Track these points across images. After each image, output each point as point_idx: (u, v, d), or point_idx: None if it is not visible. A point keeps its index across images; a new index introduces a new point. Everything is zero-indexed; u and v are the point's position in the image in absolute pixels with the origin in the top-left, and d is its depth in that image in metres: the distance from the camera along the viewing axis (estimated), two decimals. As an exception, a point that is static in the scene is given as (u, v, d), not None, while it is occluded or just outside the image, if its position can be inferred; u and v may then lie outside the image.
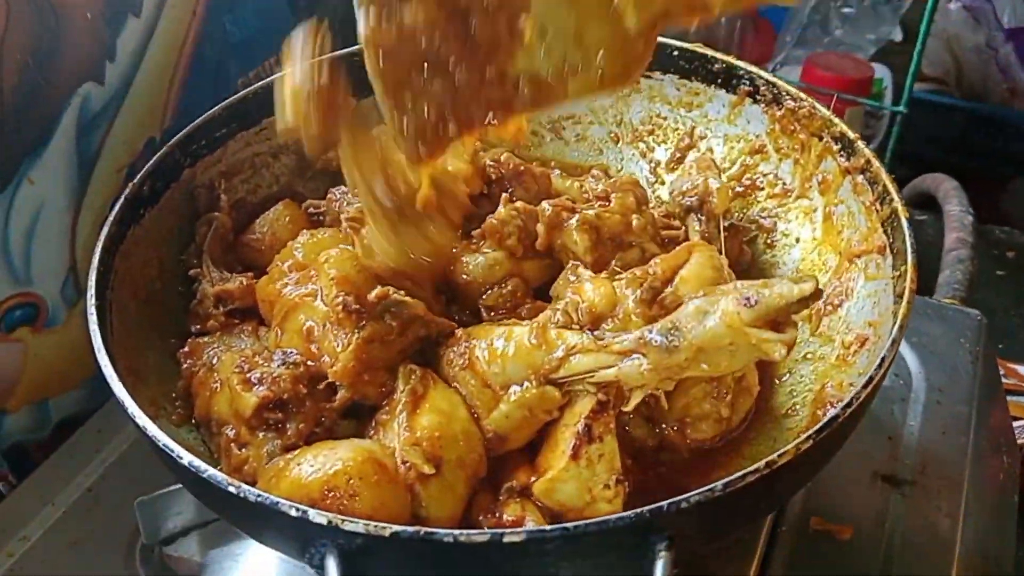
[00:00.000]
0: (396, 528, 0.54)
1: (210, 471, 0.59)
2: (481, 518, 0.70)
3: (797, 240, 0.92)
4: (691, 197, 0.91)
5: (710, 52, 0.98)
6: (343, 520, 0.55)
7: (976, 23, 2.51)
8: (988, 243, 1.83)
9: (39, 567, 0.85)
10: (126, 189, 0.83)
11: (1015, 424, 1.32)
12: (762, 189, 0.97)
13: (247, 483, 0.67)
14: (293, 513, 0.56)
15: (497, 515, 0.70)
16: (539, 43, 0.65)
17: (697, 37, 1.82)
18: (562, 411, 0.73)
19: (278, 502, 0.56)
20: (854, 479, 0.91)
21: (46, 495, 0.91)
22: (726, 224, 0.92)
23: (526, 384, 0.72)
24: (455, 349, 0.76)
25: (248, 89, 0.96)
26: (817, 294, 0.65)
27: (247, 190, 0.97)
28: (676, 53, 1.00)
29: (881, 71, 2.16)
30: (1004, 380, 1.42)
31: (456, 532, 0.54)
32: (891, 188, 0.79)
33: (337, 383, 0.72)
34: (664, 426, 0.78)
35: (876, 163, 0.82)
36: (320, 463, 0.66)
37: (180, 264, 0.89)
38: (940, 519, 0.88)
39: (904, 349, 1.03)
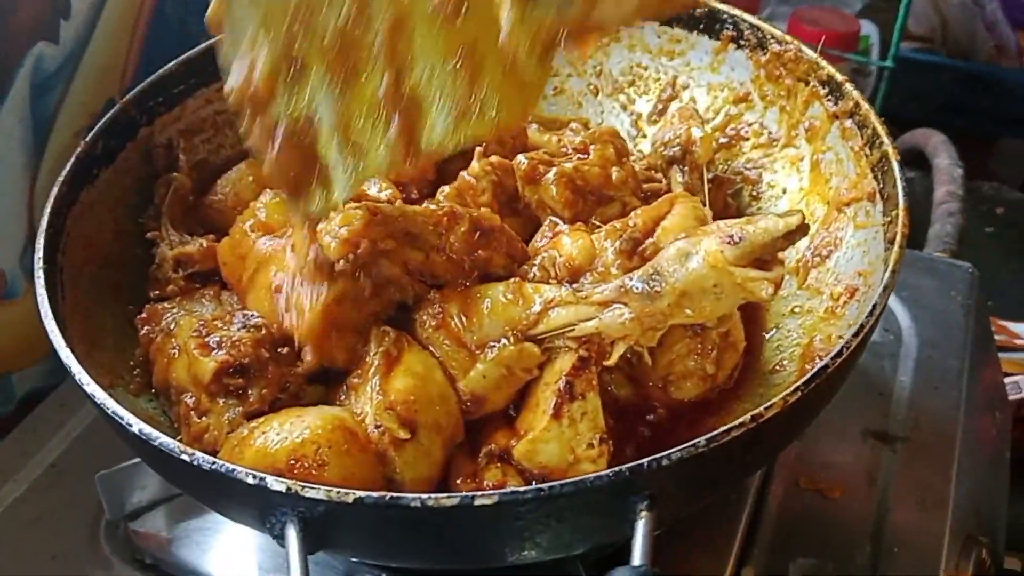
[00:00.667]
0: (360, 494, 0.51)
1: (161, 439, 0.56)
2: (460, 483, 0.67)
3: (784, 191, 0.89)
4: (673, 148, 0.88)
5: (691, -4, 0.94)
6: (303, 487, 0.52)
7: (962, -20, 2.47)
8: (977, 199, 1.80)
9: (1, 544, 0.81)
10: (78, 148, 0.79)
11: (1006, 380, 1.30)
12: (747, 139, 0.93)
13: (208, 452, 0.64)
14: (250, 481, 0.52)
15: (477, 480, 0.67)
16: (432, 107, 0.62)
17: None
18: (542, 369, 0.70)
19: (234, 469, 0.53)
20: (844, 437, 0.88)
21: (7, 471, 0.87)
22: (710, 176, 0.88)
23: (503, 341, 0.69)
24: (428, 311, 0.72)
25: (208, 43, 0.91)
26: (803, 227, 0.62)
27: (209, 150, 0.93)
28: (656, -1, 0.96)
29: (868, 27, 2.12)
30: (995, 337, 1.40)
31: (424, 496, 0.51)
32: (881, 131, 0.76)
33: (302, 345, 0.69)
34: (649, 384, 0.75)
35: (865, 105, 0.79)
36: (286, 431, 0.63)
37: (138, 227, 0.84)
38: (932, 476, 0.85)
39: (895, 303, 1.00)
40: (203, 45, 0.91)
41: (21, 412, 0.96)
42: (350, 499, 0.51)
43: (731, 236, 0.65)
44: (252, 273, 0.74)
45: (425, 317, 0.72)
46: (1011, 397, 1.28)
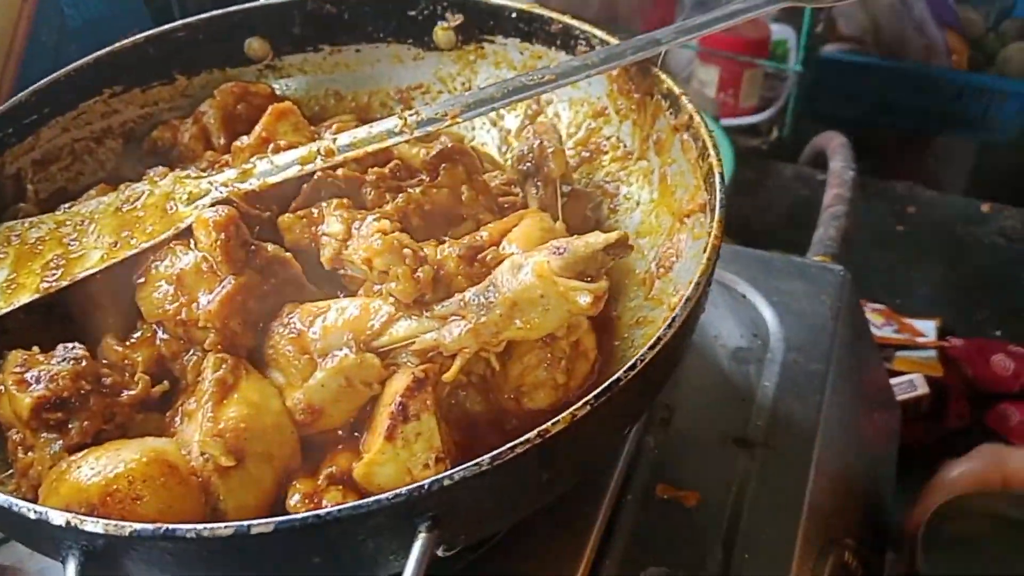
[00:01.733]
0: (137, 526, 0.51)
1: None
2: (298, 504, 0.67)
3: (637, 203, 0.90)
4: (527, 163, 0.88)
5: (547, 13, 0.95)
6: (82, 520, 0.52)
7: (890, -20, 2.50)
8: (890, 199, 1.83)
9: None
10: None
11: (902, 379, 1.32)
12: (606, 153, 0.94)
13: (34, 487, 0.64)
14: (32, 516, 0.52)
15: (315, 501, 0.68)
16: None
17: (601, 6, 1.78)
18: (383, 386, 0.70)
19: (15, 503, 0.53)
20: (704, 443, 0.89)
21: None
22: (567, 190, 0.89)
23: (344, 351, 0.69)
24: (281, 320, 0.73)
25: (60, 72, 0.91)
26: (623, 240, 0.64)
27: (67, 178, 0.92)
28: (515, 15, 0.97)
29: (785, 32, 2.14)
30: (896, 336, 1.42)
31: (199, 527, 0.51)
32: (708, 143, 0.77)
33: (208, 326, 0.70)
34: (503, 397, 0.75)
35: (697, 118, 0.80)
36: (101, 465, 0.62)
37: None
38: (788, 480, 0.86)
39: (765, 309, 1.01)
40: (55, 75, 0.91)
41: None
42: (126, 532, 0.51)
43: (557, 248, 0.68)
44: (144, 268, 0.75)
45: (277, 326, 0.72)
46: (904, 395, 1.30)
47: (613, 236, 0.64)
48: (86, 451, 0.65)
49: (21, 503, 0.53)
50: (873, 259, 1.65)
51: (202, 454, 0.65)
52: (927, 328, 1.49)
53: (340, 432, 0.72)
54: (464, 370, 0.71)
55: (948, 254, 1.70)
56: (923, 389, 1.30)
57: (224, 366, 0.69)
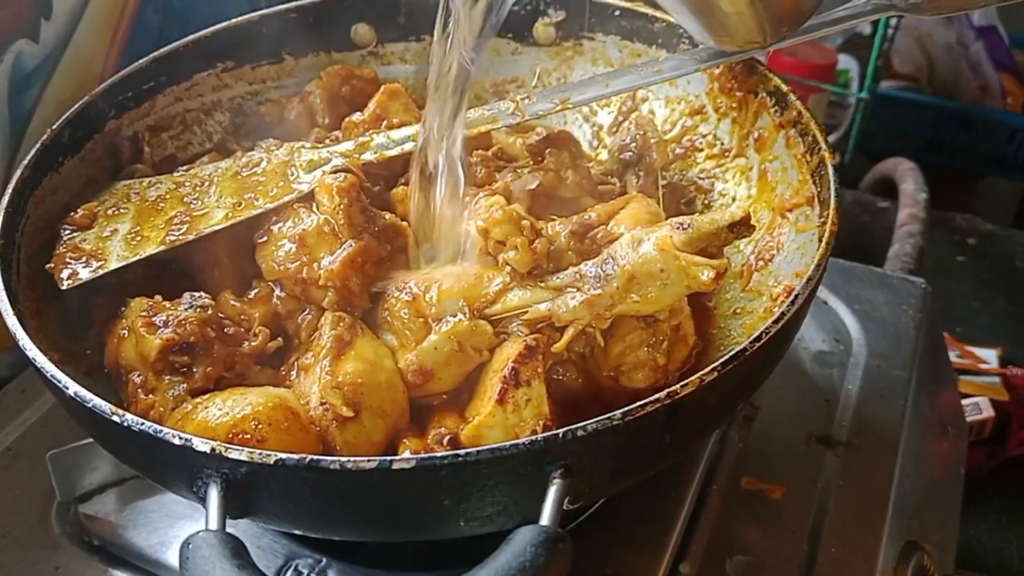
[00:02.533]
0: (281, 455, 0.53)
1: (95, 401, 0.57)
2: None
3: (734, 199, 0.91)
4: (629, 152, 0.90)
5: (651, 11, 0.97)
6: (227, 447, 0.53)
7: (948, 21, 2.52)
8: (950, 230, 1.83)
9: (-50, 524, 0.82)
10: (44, 135, 0.82)
11: (967, 401, 1.32)
12: (701, 150, 0.96)
13: (153, 428, 0.65)
14: (176, 442, 0.54)
15: (424, 461, 0.69)
16: None
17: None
18: (492, 354, 0.72)
19: (161, 430, 0.54)
20: (788, 440, 0.89)
21: (-38, 453, 0.88)
22: (663, 183, 0.91)
23: (459, 316, 0.71)
24: (396, 284, 0.75)
25: (178, 43, 0.94)
26: (747, 220, 0.65)
27: (177, 147, 0.96)
28: (618, 13, 0.99)
29: (848, 62, 2.17)
30: (959, 360, 1.42)
31: (343, 459, 0.52)
32: (819, 137, 0.79)
33: (328, 285, 0.72)
34: (601, 375, 0.76)
35: (807, 114, 0.81)
36: (229, 407, 0.64)
37: (102, 216, 0.86)
38: (874, 480, 0.86)
39: (846, 316, 1.02)
40: (174, 44, 0.94)
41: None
42: (271, 460, 0.52)
43: (681, 224, 0.69)
44: (267, 227, 0.76)
45: (389, 293, 0.74)
46: (970, 418, 1.29)
47: (739, 213, 0.66)
48: (210, 394, 0.67)
49: (165, 429, 0.55)
50: (934, 287, 1.65)
51: (322, 403, 0.67)
52: (989, 356, 1.49)
53: (445, 397, 0.73)
54: (567, 346, 0.72)
55: (1008, 286, 1.69)
56: (988, 412, 1.30)
57: (342, 324, 0.71)
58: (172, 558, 0.78)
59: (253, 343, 0.71)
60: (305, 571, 0.74)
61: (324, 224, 0.74)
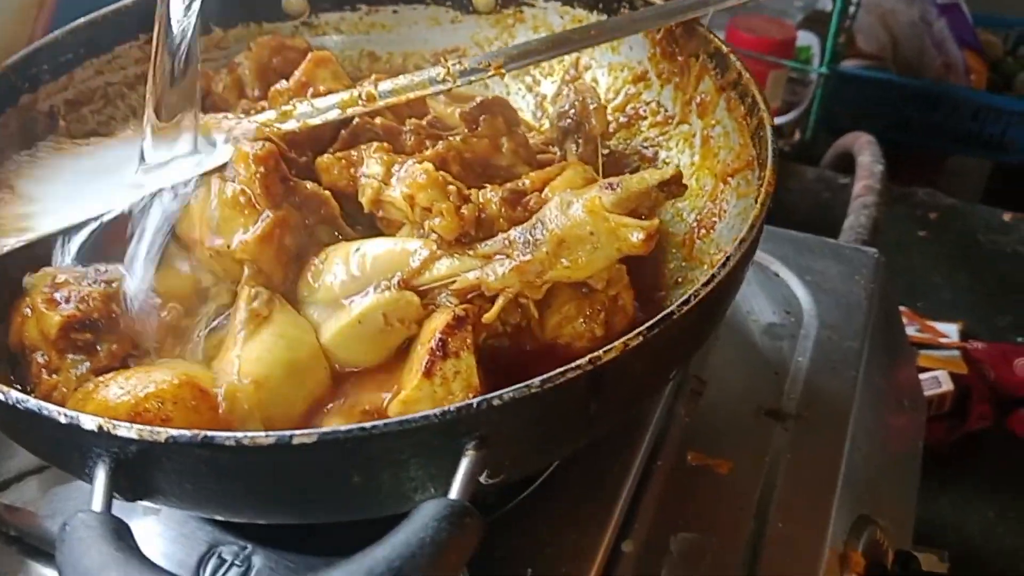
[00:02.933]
0: (173, 432, 0.49)
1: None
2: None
3: (677, 166, 0.88)
4: (568, 120, 0.87)
5: (590, -25, 0.94)
6: (114, 425, 0.49)
7: (911, -1, 2.50)
8: (911, 205, 1.82)
9: None
10: (-53, 109, 0.77)
11: (927, 375, 1.31)
12: (645, 118, 0.93)
13: (58, 410, 0.62)
14: (62, 420, 0.50)
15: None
16: None
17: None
18: (420, 327, 0.68)
19: (45, 407, 0.51)
20: (737, 413, 0.87)
21: None
22: (605, 152, 0.88)
23: (384, 288, 0.68)
24: (319, 257, 0.71)
25: (98, 12, 0.90)
26: (678, 178, 0.62)
27: (99, 121, 0.91)
28: (556, -23, 0.96)
29: (809, 39, 2.15)
30: (919, 335, 1.41)
31: (239, 435, 0.49)
32: (759, 98, 0.76)
33: (244, 259, 0.69)
34: (536, 347, 0.73)
35: (746, 75, 0.79)
36: (131, 385, 0.61)
37: (15, 193, 0.82)
38: (824, 453, 0.84)
39: (797, 287, 1.00)
40: (93, 15, 0.90)
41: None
42: (162, 438, 0.49)
43: (610, 184, 0.67)
44: None
45: (313, 263, 0.71)
46: (929, 392, 1.28)
47: (669, 172, 0.63)
48: (114, 372, 0.63)
49: (51, 406, 0.51)
50: (895, 263, 1.64)
51: (233, 383, 0.63)
52: (949, 331, 1.48)
53: (371, 371, 0.70)
54: (500, 318, 0.69)
55: (970, 261, 1.69)
56: (948, 386, 1.29)
57: (259, 298, 0.67)
58: (91, 549, 0.75)
59: (164, 318, 0.67)
60: (229, 558, 0.71)
61: (240, 194, 0.70)
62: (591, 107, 0.86)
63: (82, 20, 0.89)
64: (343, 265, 0.70)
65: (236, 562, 0.70)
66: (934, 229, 1.76)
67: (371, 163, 0.76)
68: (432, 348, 0.65)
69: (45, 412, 0.51)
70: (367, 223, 0.77)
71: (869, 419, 0.90)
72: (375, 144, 0.78)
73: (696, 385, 0.89)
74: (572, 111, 0.87)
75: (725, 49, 0.82)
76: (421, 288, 0.69)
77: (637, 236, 0.63)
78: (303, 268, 0.72)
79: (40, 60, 0.86)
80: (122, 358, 0.65)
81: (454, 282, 0.69)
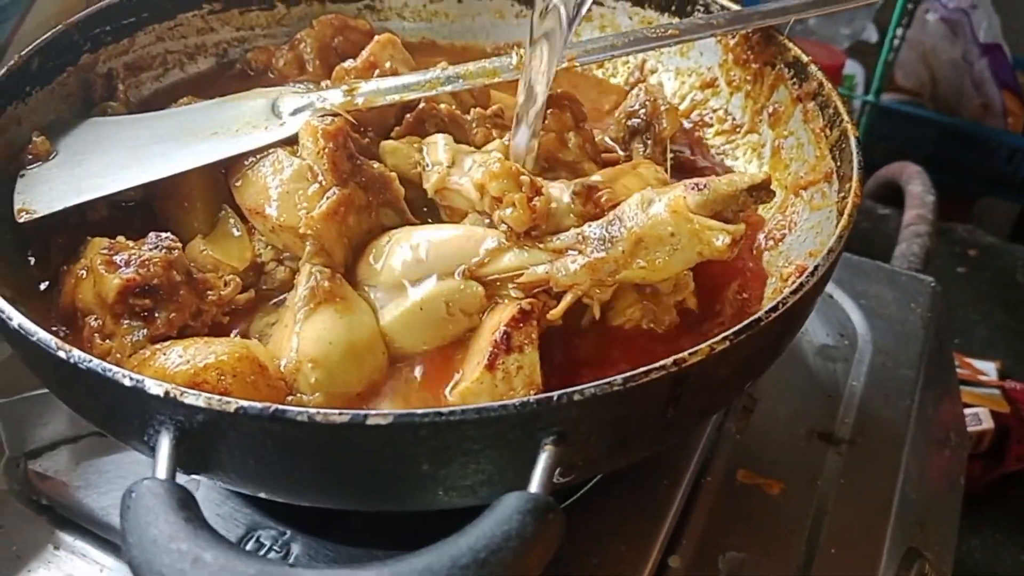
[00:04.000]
0: (243, 403, 0.47)
1: (40, 334, 0.51)
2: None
3: (768, 172, 0.86)
4: (637, 119, 0.85)
5: (664, -24, 0.92)
6: (183, 392, 0.47)
7: (953, 36, 2.48)
8: (951, 241, 1.79)
9: None
10: (11, 60, 0.76)
11: (967, 412, 1.28)
12: (711, 126, 0.91)
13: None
14: (126, 382, 0.48)
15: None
16: None
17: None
18: (481, 320, 0.66)
19: (109, 368, 0.49)
20: (789, 434, 0.84)
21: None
22: (671, 155, 0.86)
23: (449, 275, 0.66)
24: (381, 240, 0.69)
25: (165, -20, 0.88)
26: (767, 183, 0.59)
27: (157, 89, 0.90)
28: (630, -23, 0.94)
29: (854, 67, 2.13)
30: (960, 371, 1.38)
31: (312, 411, 0.47)
32: (842, 109, 0.74)
33: (308, 233, 0.66)
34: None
35: (828, 85, 0.77)
36: (190, 355, 0.59)
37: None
38: (877, 480, 0.81)
39: (852, 311, 0.97)
40: (159, -20, 0.88)
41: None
42: (232, 408, 0.47)
43: (696, 184, 0.64)
44: (244, 171, 0.71)
45: (376, 247, 0.69)
46: (971, 428, 1.25)
47: (759, 176, 0.61)
48: (172, 341, 0.61)
49: (115, 368, 0.49)
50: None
51: (294, 360, 0.61)
52: (988, 368, 1.45)
53: (425, 359, 0.68)
54: (564, 315, 0.67)
55: (1008, 300, 1.66)
56: (989, 424, 1.26)
57: (320, 276, 0.65)
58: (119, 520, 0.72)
59: (223, 292, 0.65)
60: (267, 543, 0.68)
61: (306, 169, 0.68)
62: (663, 108, 0.84)
63: (149, -14, 0.88)
64: (408, 249, 0.68)
65: (275, 547, 0.68)
66: (973, 266, 1.73)
67: (438, 149, 0.74)
68: (496, 341, 0.63)
69: (109, 374, 0.49)
70: (428, 210, 0.75)
71: (922, 450, 0.88)
72: (441, 135, 0.76)
73: (748, 403, 0.86)
74: (642, 111, 0.85)
75: (805, 59, 0.80)
76: (487, 279, 0.67)
77: (723, 240, 0.60)
78: (364, 250, 0.70)
79: (103, 21, 0.85)
80: (180, 328, 0.63)
81: (521, 275, 0.67)
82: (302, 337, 0.63)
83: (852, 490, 0.80)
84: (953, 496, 1.04)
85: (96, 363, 0.49)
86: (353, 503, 0.54)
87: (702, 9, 0.90)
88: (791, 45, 0.82)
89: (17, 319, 0.52)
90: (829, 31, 2.08)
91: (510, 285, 0.67)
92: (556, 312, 0.65)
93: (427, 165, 0.74)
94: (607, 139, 0.88)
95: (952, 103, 2.46)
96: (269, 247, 0.70)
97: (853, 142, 0.70)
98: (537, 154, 0.78)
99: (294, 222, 0.67)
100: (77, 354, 0.50)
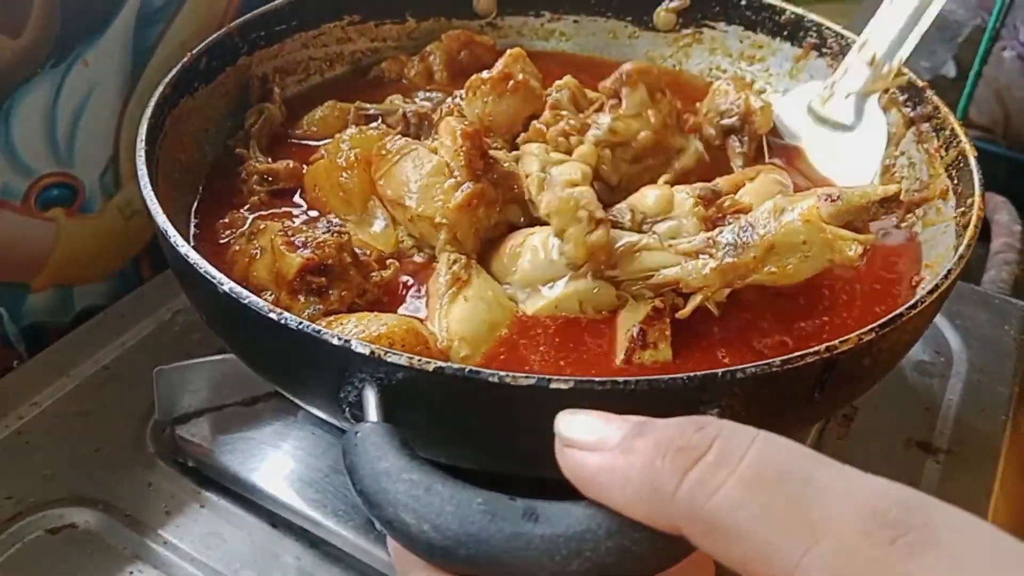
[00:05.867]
0: (441, 363, 0.52)
1: (251, 298, 0.57)
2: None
3: (899, 184, 0.89)
4: (731, 117, 0.88)
5: (778, 2, 0.97)
6: (386, 351, 0.53)
7: (1029, 75, 2.49)
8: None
9: (46, 432, 0.82)
10: (184, 58, 0.83)
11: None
12: (822, 148, 0.95)
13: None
14: (335, 342, 0.53)
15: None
16: None
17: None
18: (614, 315, 0.71)
19: (320, 329, 0.54)
20: (888, 442, 0.88)
21: (62, 367, 0.88)
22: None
23: (582, 275, 0.70)
24: (515, 236, 0.74)
25: (310, -9, 0.95)
26: (898, 195, 0.63)
27: (299, 91, 0.96)
28: (743, 3, 0.99)
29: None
30: None
31: (502, 373, 0.52)
32: (959, 131, 0.78)
33: (444, 222, 0.72)
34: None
35: (944, 109, 0.81)
36: (364, 326, 0.64)
37: (225, 147, 0.87)
38: (974, 489, 0.84)
39: (947, 329, 1.01)
40: (305, -8, 0.95)
41: (77, 325, 0.98)
42: (431, 367, 0.52)
43: (829, 195, 0.66)
44: (389, 167, 0.76)
45: (508, 243, 0.74)
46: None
47: (892, 189, 0.65)
48: (344, 314, 0.67)
49: (323, 328, 0.54)
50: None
51: (444, 340, 0.66)
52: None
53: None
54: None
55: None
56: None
57: (459, 263, 0.71)
58: (263, 482, 0.78)
59: (385, 273, 0.71)
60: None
61: (443, 166, 0.73)
62: (756, 106, 0.87)
63: (295, -4, 0.95)
64: (541, 250, 0.72)
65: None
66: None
67: (531, 161, 0.77)
68: (633, 336, 0.67)
69: (320, 334, 0.54)
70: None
71: (1017, 464, 0.90)
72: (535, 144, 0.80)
73: (848, 411, 0.90)
74: (736, 109, 0.88)
75: (920, 83, 0.84)
76: (618, 280, 0.71)
77: (855, 250, 0.64)
78: (496, 248, 0.74)
79: (258, 26, 0.92)
80: (349, 304, 0.68)
81: (651, 276, 0.71)
82: (451, 319, 0.68)
83: (950, 499, 0.83)
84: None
85: (306, 324, 0.55)
86: (524, 467, 0.59)
87: (814, 35, 0.95)
88: (905, 69, 0.86)
89: (228, 284, 0.58)
90: (909, 63, 2.11)
91: (638, 284, 0.71)
92: (685, 311, 0.69)
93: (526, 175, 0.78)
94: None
95: (1025, 142, 2.47)
96: (408, 236, 0.76)
97: (973, 161, 0.74)
98: (611, 142, 0.81)
99: (431, 212, 0.72)
100: (288, 316, 0.55)
